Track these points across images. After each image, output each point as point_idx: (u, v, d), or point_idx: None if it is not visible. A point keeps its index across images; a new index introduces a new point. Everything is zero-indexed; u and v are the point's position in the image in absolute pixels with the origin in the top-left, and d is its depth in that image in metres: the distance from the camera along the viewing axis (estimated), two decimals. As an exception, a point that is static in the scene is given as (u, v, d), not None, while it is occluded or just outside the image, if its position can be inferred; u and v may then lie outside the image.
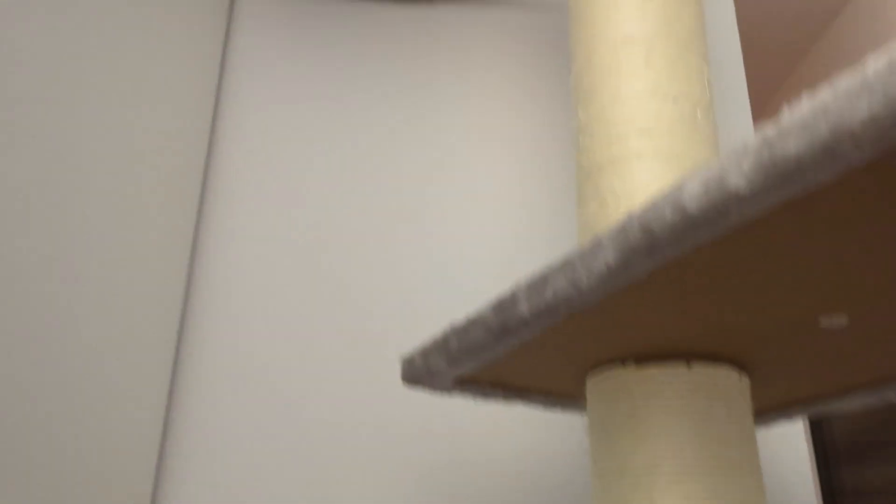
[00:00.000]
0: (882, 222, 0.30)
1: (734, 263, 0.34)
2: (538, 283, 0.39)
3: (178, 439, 0.68)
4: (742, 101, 0.80)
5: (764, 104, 2.71)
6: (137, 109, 0.57)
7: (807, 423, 2.32)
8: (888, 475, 1.96)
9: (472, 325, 0.45)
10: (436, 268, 0.75)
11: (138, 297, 0.60)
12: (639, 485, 0.45)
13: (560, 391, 0.56)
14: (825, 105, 0.25)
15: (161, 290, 0.65)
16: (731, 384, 0.48)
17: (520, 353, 0.47)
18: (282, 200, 0.77)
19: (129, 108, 0.55)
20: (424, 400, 0.72)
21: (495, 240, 0.76)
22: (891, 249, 0.32)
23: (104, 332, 0.55)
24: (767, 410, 0.58)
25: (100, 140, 0.51)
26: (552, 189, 0.78)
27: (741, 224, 0.30)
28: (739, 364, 0.49)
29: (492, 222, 0.77)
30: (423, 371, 0.51)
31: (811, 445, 2.30)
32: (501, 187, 0.78)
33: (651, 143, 0.53)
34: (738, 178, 0.28)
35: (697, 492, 0.43)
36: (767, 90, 2.63)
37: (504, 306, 0.42)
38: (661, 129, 0.53)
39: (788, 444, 0.73)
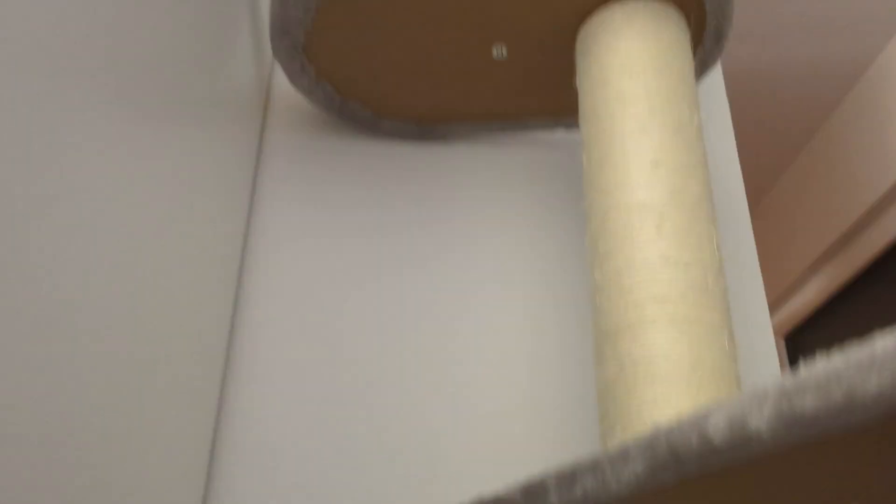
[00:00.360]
0: (891, 452, 0.32)
1: (755, 478, 0.36)
2: (567, 478, 0.41)
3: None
4: (751, 259, 0.84)
5: (760, 198, 2.76)
6: (163, 242, 0.60)
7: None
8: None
9: (501, 504, 0.46)
10: (451, 411, 0.77)
11: (165, 436, 0.62)
12: None
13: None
14: (838, 372, 0.28)
15: (187, 439, 0.67)
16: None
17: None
18: (305, 336, 0.79)
19: (153, 240, 0.58)
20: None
21: (511, 384, 0.78)
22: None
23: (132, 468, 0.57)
24: None
25: (124, 272, 0.54)
26: (567, 336, 0.81)
27: (762, 455, 0.32)
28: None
29: (506, 368, 0.79)
30: (450, 536, 0.52)
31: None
32: (517, 334, 0.81)
33: (665, 310, 0.56)
34: (758, 421, 0.30)
35: None
36: (764, 185, 2.69)
37: (533, 493, 0.44)
38: (674, 296, 0.56)
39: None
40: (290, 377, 0.77)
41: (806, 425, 0.29)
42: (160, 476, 0.59)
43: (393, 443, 0.75)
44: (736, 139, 1.03)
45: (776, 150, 2.51)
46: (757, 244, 2.48)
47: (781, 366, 1.10)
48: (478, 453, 0.75)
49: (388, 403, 0.76)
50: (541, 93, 0.82)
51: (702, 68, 0.78)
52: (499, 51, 0.77)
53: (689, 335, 0.55)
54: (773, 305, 2.64)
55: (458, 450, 0.75)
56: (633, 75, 0.67)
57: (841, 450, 0.32)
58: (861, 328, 2.28)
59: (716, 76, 1.06)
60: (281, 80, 0.92)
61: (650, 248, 0.58)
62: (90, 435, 0.49)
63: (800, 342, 2.57)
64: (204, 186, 0.69)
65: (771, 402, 0.30)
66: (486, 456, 0.75)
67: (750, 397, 0.31)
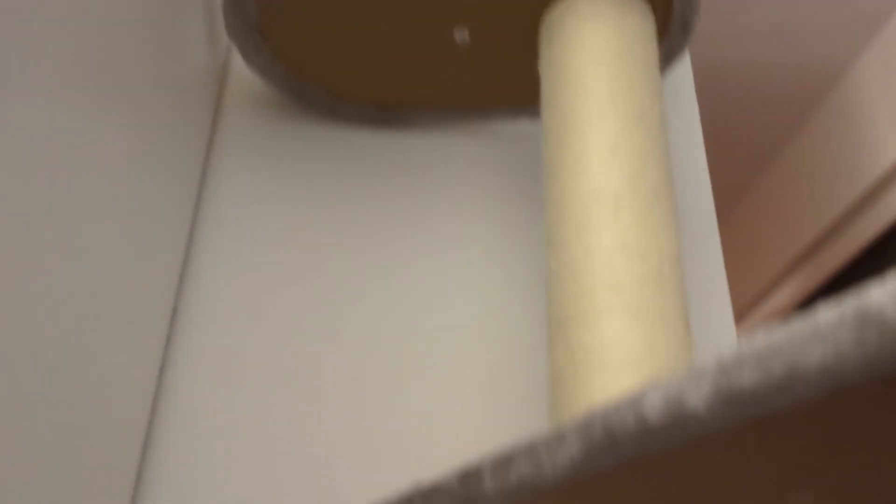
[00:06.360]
0: (838, 433, 0.31)
1: (696, 460, 0.34)
2: (503, 463, 0.39)
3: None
4: (714, 251, 0.82)
5: (729, 213, 2.77)
6: (102, 228, 0.57)
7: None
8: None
9: (437, 492, 0.44)
10: (402, 402, 0.75)
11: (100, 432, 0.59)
12: None
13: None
14: (779, 345, 0.26)
15: (119, 436, 0.64)
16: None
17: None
18: (254, 330, 0.76)
19: (90, 224, 0.55)
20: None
21: (464, 376, 0.76)
22: (847, 450, 0.33)
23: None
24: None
25: (59, 257, 0.51)
26: (524, 329, 0.79)
27: (702, 436, 0.30)
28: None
29: (460, 358, 0.77)
30: (387, 528, 0.50)
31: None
32: (473, 324, 0.79)
33: (619, 299, 0.54)
34: (696, 400, 0.28)
35: None
36: (733, 198, 2.70)
37: (469, 479, 0.41)
38: (629, 284, 0.54)
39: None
40: (236, 373, 0.74)
41: (745, 402, 0.27)
42: (88, 473, 0.56)
43: (344, 439, 0.72)
44: (707, 145, 1.01)
45: (743, 166, 2.52)
46: (726, 252, 2.49)
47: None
48: (429, 443, 0.73)
49: (342, 399, 0.74)
50: (504, 80, 0.80)
51: (668, 59, 0.77)
52: (461, 35, 0.75)
53: (643, 324, 0.53)
54: (739, 314, 2.64)
55: (411, 441, 0.73)
56: (595, 62, 0.65)
57: (785, 431, 0.30)
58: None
59: (686, 77, 1.05)
60: (239, 63, 0.90)
61: (606, 235, 0.56)
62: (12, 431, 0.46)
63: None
64: (148, 173, 0.66)
65: (709, 379, 0.28)
66: (438, 445, 0.73)
67: (688, 375, 0.29)
